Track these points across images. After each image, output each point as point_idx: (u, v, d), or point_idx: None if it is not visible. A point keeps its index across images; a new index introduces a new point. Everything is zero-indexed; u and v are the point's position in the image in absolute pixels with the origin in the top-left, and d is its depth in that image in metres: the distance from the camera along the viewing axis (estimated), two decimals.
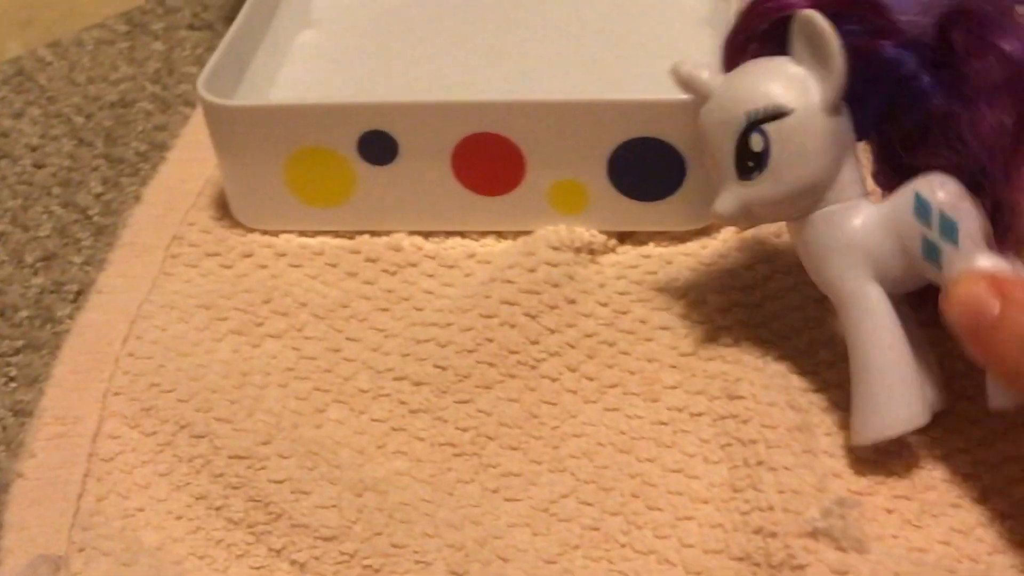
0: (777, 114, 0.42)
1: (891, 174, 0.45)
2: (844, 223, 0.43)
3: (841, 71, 0.41)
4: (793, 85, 0.42)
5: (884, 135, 0.45)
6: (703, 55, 0.60)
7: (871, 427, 0.43)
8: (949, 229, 0.40)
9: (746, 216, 0.45)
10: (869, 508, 0.43)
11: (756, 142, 0.43)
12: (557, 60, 0.62)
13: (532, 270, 0.52)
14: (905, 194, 0.42)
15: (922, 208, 0.41)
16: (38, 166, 0.64)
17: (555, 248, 0.53)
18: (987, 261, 0.40)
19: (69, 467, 0.47)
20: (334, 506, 0.44)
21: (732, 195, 0.44)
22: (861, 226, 0.43)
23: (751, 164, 0.43)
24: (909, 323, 0.44)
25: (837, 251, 0.43)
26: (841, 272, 0.43)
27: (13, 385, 0.51)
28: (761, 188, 0.43)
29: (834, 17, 0.41)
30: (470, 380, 0.49)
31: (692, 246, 0.55)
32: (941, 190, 0.41)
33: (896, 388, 0.43)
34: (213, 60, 0.55)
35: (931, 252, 0.41)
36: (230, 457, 0.46)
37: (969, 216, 0.40)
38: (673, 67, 0.45)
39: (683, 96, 0.50)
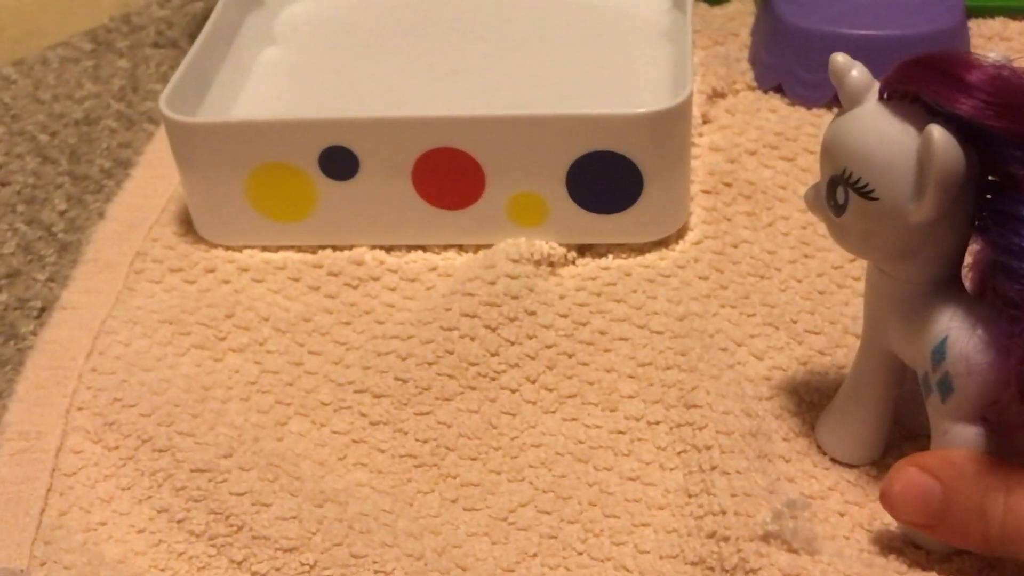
0: (862, 191, 0.39)
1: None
2: (896, 293, 0.41)
3: (931, 207, 0.37)
4: (893, 174, 0.38)
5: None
6: (661, 69, 0.61)
7: (832, 445, 0.46)
8: (945, 388, 0.39)
9: None
10: (821, 510, 0.44)
11: (840, 193, 0.40)
12: (517, 74, 0.62)
13: (492, 283, 0.53)
14: (941, 323, 0.39)
15: (938, 354, 0.39)
16: (2, 183, 0.64)
17: (515, 261, 0.54)
18: (959, 434, 0.39)
19: (32, 482, 0.47)
20: (294, 518, 0.44)
21: (824, 214, 0.41)
22: (907, 306, 0.41)
23: (833, 203, 0.40)
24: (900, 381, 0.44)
25: (877, 307, 0.43)
26: (874, 320, 0.43)
27: None
28: (834, 228, 0.41)
29: (993, 139, 0.36)
30: (430, 392, 0.49)
31: (650, 258, 0.56)
32: (961, 354, 0.38)
33: (867, 430, 0.45)
34: (175, 77, 0.56)
35: (925, 384, 0.41)
36: (192, 470, 0.46)
37: (970, 388, 0.38)
38: (833, 57, 0.40)
39: (640, 110, 0.51)
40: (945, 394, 0.39)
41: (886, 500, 0.40)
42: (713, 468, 0.44)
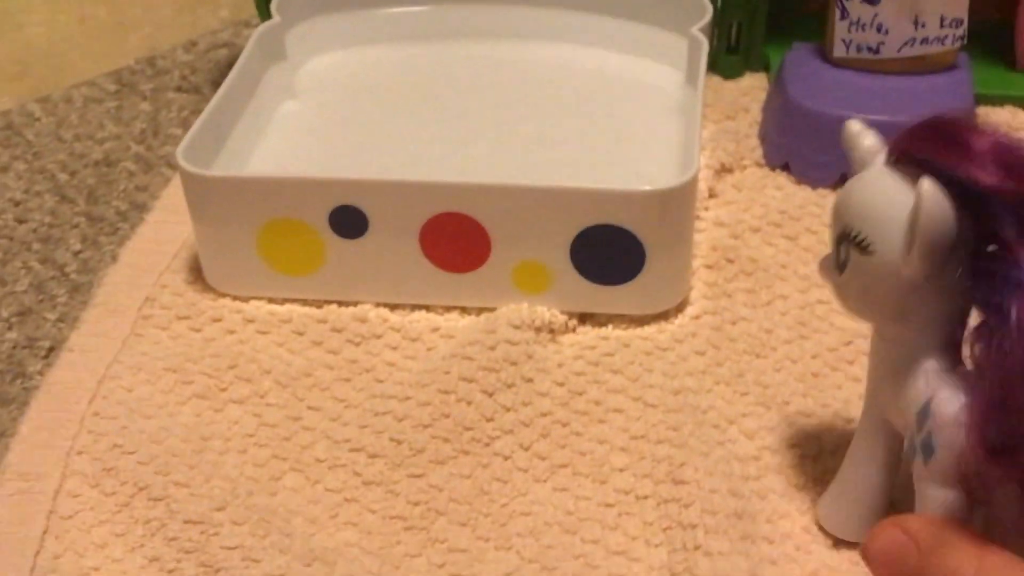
0: (860, 245, 0.40)
1: None
2: (892, 357, 0.42)
3: (918, 258, 0.38)
4: (889, 227, 0.39)
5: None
6: (671, 143, 0.62)
7: (831, 521, 0.47)
8: (927, 450, 0.40)
9: None
10: None
11: (842, 251, 0.41)
12: (529, 142, 0.64)
13: (492, 348, 0.54)
14: (929, 386, 0.40)
15: (922, 415, 0.40)
16: (20, 221, 0.66)
17: (516, 327, 0.55)
18: (936, 497, 0.40)
19: (28, 524, 0.48)
20: (282, 575, 0.45)
21: (830, 276, 0.43)
22: (901, 369, 0.41)
23: (837, 262, 0.41)
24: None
25: (877, 375, 0.44)
26: (873, 388, 0.44)
27: None
28: (837, 289, 0.42)
29: (990, 203, 0.37)
30: (424, 454, 0.50)
31: (649, 330, 0.56)
32: (943, 415, 0.39)
33: (866, 504, 0.45)
34: (194, 129, 0.57)
35: (910, 446, 0.41)
36: (185, 522, 0.47)
37: (949, 450, 0.39)
38: (847, 123, 0.42)
39: (645, 187, 0.52)
40: (927, 456, 0.40)
41: (866, 556, 0.41)
42: (696, 548, 0.45)
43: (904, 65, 0.66)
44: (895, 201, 0.39)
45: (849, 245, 0.40)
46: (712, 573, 0.44)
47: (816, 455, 0.50)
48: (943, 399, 0.39)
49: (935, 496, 0.40)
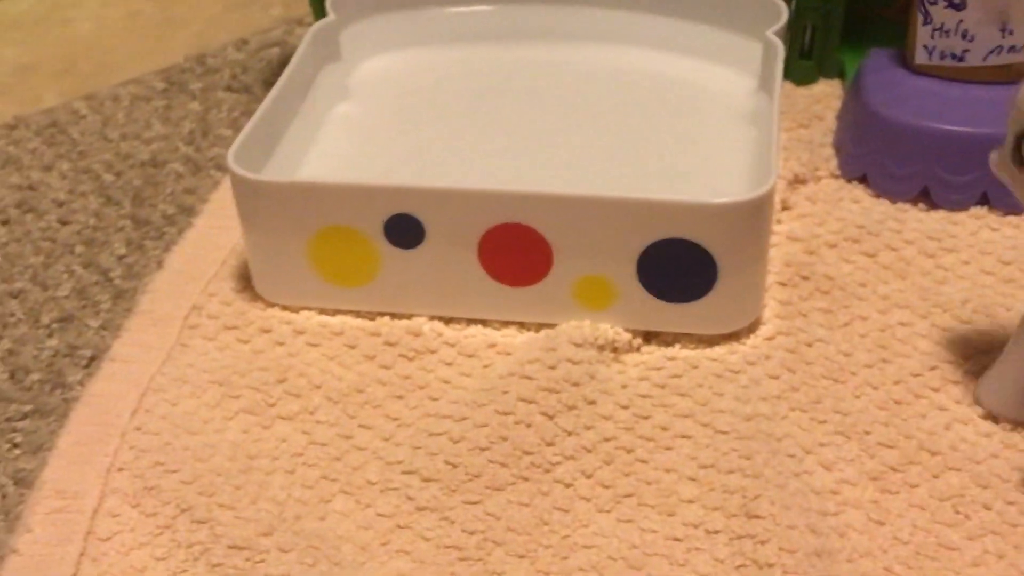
0: None
1: None
2: None
3: None
4: None
5: None
6: (744, 153, 0.59)
7: (991, 400, 0.50)
8: None
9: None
10: None
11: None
12: (594, 150, 0.61)
13: (552, 367, 0.51)
14: None
15: None
16: (63, 222, 0.64)
17: (578, 345, 0.52)
18: None
19: (65, 544, 0.45)
20: None
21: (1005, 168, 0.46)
22: None
23: (1018, 158, 0.45)
24: None
25: None
26: None
27: (17, 452, 0.50)
28: (1018, 184, 0.46)
29: None
30: (481, 480, 0.48)
31: (720, 351, 0.53)
32: None
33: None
34: (245, 131, 0.55)
35: None
36: (229, 547, 0.45)
37: None
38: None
39: (719, 200, 0.49)
40: None
41: None
42: None
43: (990, 74, 0.63)
44: None
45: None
46: None
47: (897, 489, 0.47)
48: None
49: None
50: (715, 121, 0.63)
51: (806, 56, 0.70)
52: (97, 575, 0.44)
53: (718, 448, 0.49)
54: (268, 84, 0.59)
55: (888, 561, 0.44)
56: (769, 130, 0.55)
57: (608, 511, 0.47)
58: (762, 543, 0.44)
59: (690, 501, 0.47)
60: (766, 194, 0.50)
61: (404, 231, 0.53)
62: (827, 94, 0.70)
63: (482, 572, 0.45)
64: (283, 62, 0.60)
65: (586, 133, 0.62)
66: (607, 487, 0.47)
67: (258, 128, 0.56)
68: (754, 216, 0.50)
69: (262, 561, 0.44)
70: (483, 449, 0.48)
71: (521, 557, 0.45)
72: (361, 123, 0.64)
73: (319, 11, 0.67)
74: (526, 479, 0.48)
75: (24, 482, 0.49)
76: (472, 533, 0.46)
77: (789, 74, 0.70)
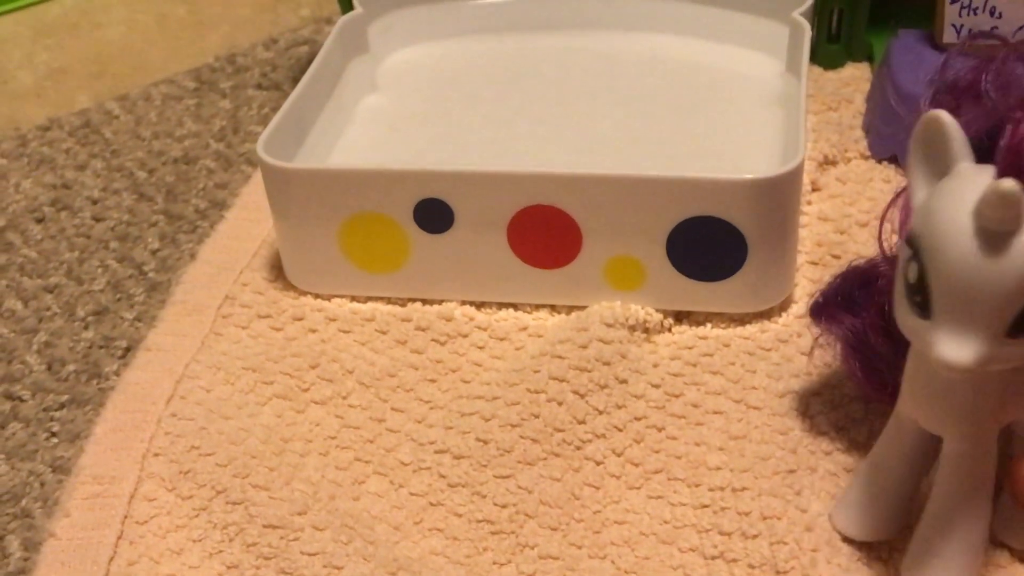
0: None
1: None
2: None
3: None
4: None
5: None
6: (772, 133, 0.59)
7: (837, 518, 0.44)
8: None
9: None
10: None
11: None
12: (621, 132, 0.61)
13: (584, 346, 0.51)
14: None
15: None
16: (97, 219, 0.64)
17: (609, 325, 0.52)
18: None
19: (102, 528, 0.46)
20: None
21: (984, 347, 0.34)
22: None
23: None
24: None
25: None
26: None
27: (55, 440, 0.51)
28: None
29: None
30: (512, 455, 0.48)
31: (751, 329, 0.53)
32: None
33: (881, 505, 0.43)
34: (274, 121, 0.55)
35: None
36: (264, 526, 0.45)
37: None
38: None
39: (748, 176, 0.49)
40: None
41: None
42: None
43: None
44: None
45: None
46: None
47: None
48: None
49: None
50: (743, 104, 0.62)
51: (834, 40, 0.70)
52: (135, 557, 0.45)
53: (750, 422, 0.49)
54: (297, 81, 0.59)
55: None
56: (796, 110, 0.55)
57: (638, 488, 0.47)
58: (798, 493, 0.44)
59: (718, 468, 0.47)
60: (794, 170, 0.50)
61: (433, 216, 0.53)
62: (856, 77, 0.69)
63: (514, 545, 0.45)
64: (312, 60, 0.61)
65: (614, 117, 0.62)
66: (637, 464, 0.47)
67: (287, 119, 0.56)
68: (782, 192, 0.50)
69: (296, 539, 0.44)
70: (514, 426, 0.48)
71: (553, 530, 0.45)
72: (389, 114, 0.64)
73: (346, 5, 0.67)
74: (557, 455, 0.48)
75: (62, 469, 0.49)
76: (504, 506, 0.46)
77: (817, 58, 0.70)
